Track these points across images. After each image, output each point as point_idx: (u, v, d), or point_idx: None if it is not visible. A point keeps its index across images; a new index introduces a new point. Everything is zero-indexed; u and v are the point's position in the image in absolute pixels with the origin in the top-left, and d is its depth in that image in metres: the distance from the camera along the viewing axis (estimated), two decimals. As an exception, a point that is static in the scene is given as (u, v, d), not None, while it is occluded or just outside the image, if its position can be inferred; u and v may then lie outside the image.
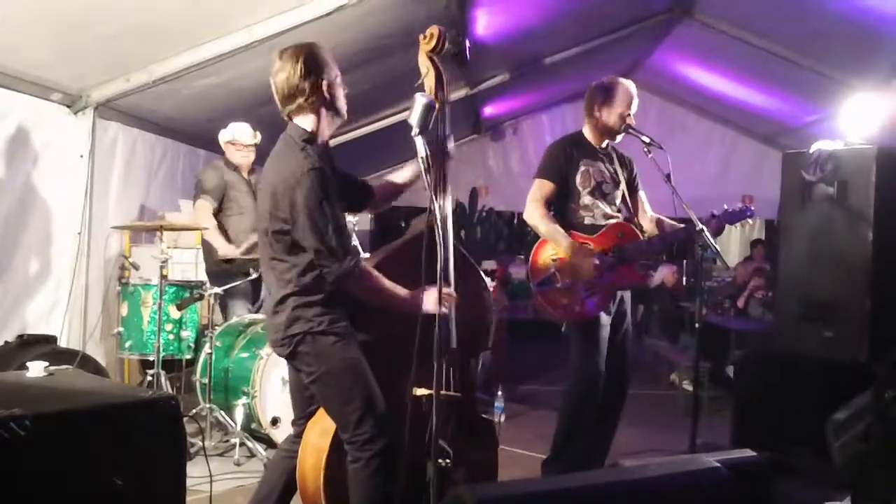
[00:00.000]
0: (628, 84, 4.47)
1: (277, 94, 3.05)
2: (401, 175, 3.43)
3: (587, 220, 4.42)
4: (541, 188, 4.40)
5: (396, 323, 3.02)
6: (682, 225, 4.47)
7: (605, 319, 4.38)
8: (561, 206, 4.45)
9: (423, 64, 3.22)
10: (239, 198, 5.64)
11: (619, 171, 4.54)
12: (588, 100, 4.51)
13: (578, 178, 4.40)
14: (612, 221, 4.45)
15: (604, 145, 4.55)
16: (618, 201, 4.53)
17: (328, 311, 3.03)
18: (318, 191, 2.90)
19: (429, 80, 3.20)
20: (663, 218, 4.66)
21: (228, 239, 5.57)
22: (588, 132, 4.54)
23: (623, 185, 4.53)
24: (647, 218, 4.64)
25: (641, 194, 4.68)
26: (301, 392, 3.30)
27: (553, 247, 4.36)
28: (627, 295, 4.58)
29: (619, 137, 4.51)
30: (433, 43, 3.18)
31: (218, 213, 5.62)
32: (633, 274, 4.45)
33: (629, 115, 4.42)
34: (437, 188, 3.02)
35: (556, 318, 4.41)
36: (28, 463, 2.22)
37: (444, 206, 3.14)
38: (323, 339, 3.02)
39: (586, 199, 4.42)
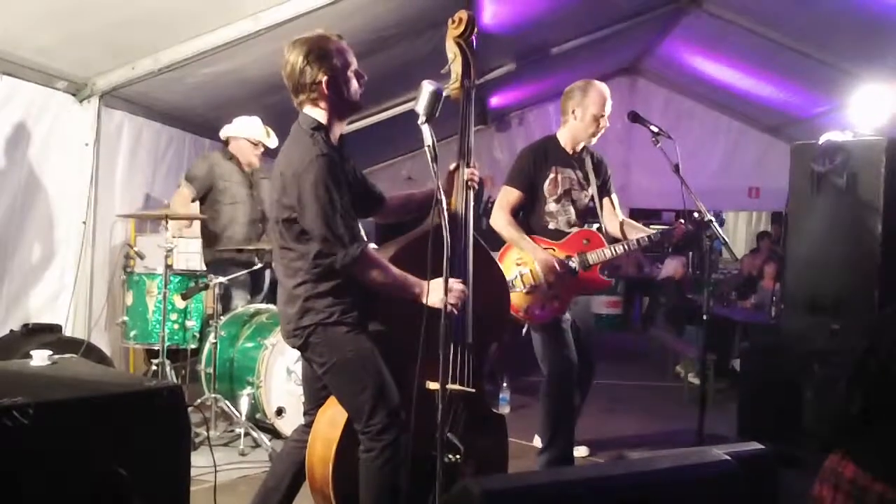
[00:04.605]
0: (601, 86, 4.49)
1: (288, 85, 3.03)
2: (420, 193, 3.42)
3: (551, 226, 4.48)
4: (507, 195, 4.48)
5: (411, 313, 2.96)
6: (651, 230, 4.54)
7: (567, 315, 4.47)
8: (527, 212, 4.53)
9: (451, 49, 3.19)
10: (231, 188, 5.59)
11: (591, 175, 4.58)
12: (563, 102, 4.54)
13: (546, 185, 4.46)
14: (576, 229, 4.50)
15: (578, 148, 4.58)
16: (585, 206, 4.57)
17: (339, 301, 3.00)
18: (325, 177, 2.87)
19: (455, 66, 3.18)
20: (630, 221, 4.72)
21: (218, 229, 5.56)
22: (562, 135, 4.57)
23: (593, 189, 4.57)
24: (616, 222, 4.65)
25: (613, 197, 4.73)
26: (314, 383, 3.27)
27: (518, 252, 4.43)
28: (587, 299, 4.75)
29: (593, 140, 4.53)
30: (461, 28, 3.15)
31: (209, 202, 5.59)
32: (596, 280, 4.49)
33: (603, 116, 4.44)
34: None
35: (518, 321, 4.45)
36: (30, 451, 2.20)
37: (468, 197, 3.13)
38: (334, 329, 3.00)
39: (552, 206, 4.48)
